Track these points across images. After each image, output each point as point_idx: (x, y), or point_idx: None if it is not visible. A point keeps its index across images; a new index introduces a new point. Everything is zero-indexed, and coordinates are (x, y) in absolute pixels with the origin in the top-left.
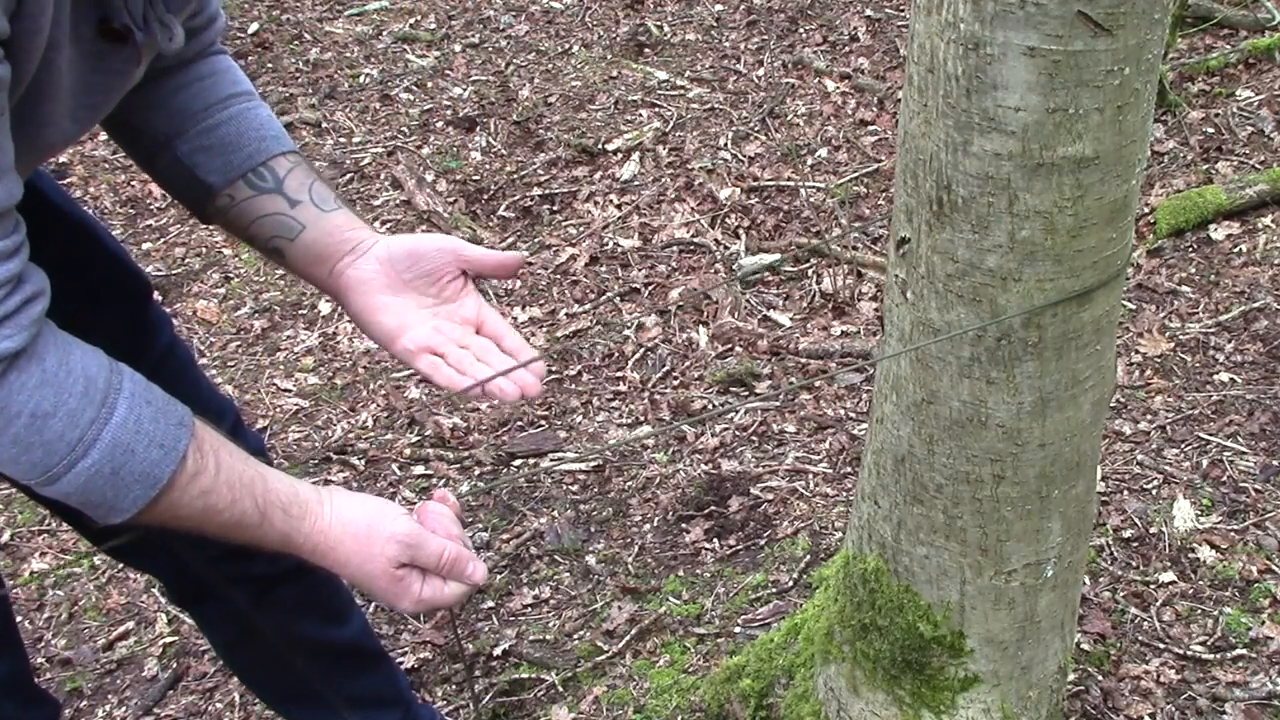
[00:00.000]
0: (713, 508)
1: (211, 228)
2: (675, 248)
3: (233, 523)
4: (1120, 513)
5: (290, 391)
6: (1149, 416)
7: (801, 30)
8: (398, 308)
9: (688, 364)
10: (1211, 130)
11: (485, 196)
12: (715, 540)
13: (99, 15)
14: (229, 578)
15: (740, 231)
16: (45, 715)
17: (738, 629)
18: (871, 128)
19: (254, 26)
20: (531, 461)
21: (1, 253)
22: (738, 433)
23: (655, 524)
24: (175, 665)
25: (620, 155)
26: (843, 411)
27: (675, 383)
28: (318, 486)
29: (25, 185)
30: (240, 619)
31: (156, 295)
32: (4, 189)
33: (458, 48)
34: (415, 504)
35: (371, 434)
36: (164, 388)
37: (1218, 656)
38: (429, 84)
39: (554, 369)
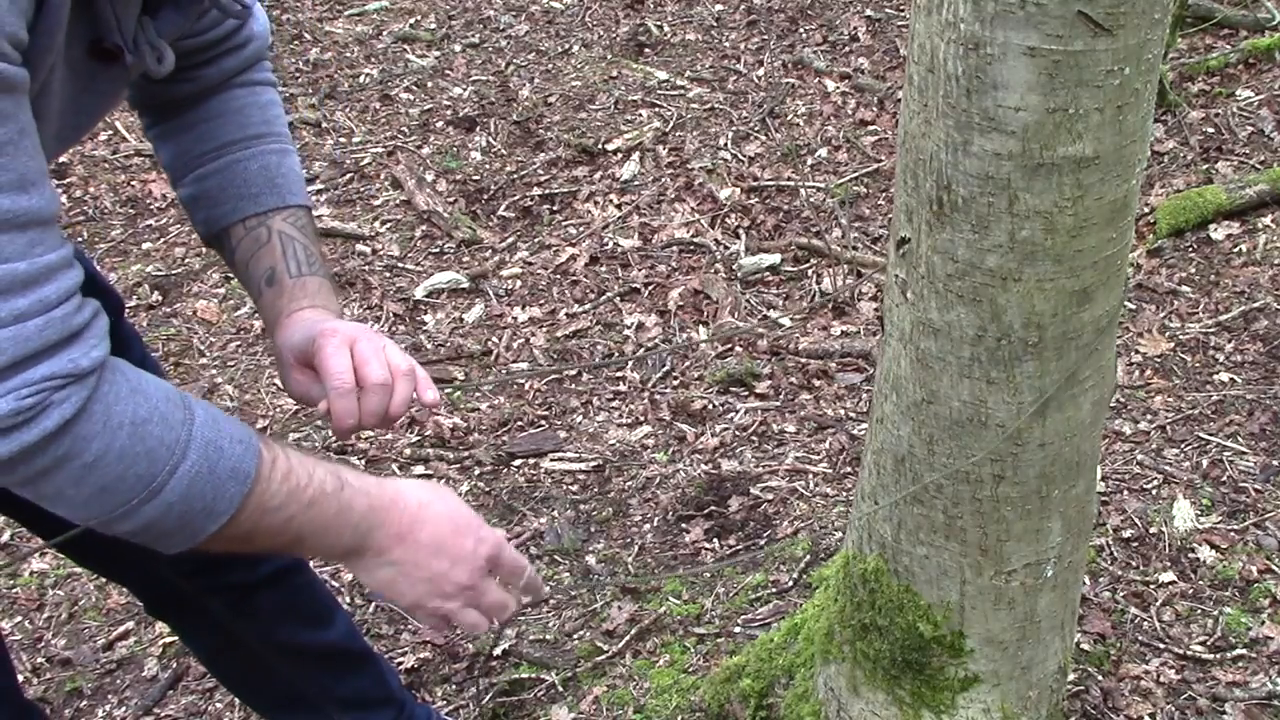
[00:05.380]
0: (713, 508)
1: None
2: (675, 248)
3: (318, 498)
4: (1120, 513)
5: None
6: (1149, 416)
7: (801, 30)
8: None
9: (688, 364)
10: (1211, 130)
11: (485, 196)
12: (715, 540)
13: (92, 35)
14: (204, 589)
15: (740, 231)
16: None
17: (738, 629)
18: (871, 128)
19: None
20: (532, 462)
21: (64, 260)
22: (738, 433)
23: (655, 524)
24: (175, 665)
25: (620, 155)
26: (843, 411)
27: (675, 383)
28: (380, 478)
29: None
30: (220, 629)
31: (158, 296)
32: (48, 195)
33: (458, 48)
34: None
35: (371, 434)
36: None
37: (1218, 656)
38: (429, 84)
39: (554, 369)
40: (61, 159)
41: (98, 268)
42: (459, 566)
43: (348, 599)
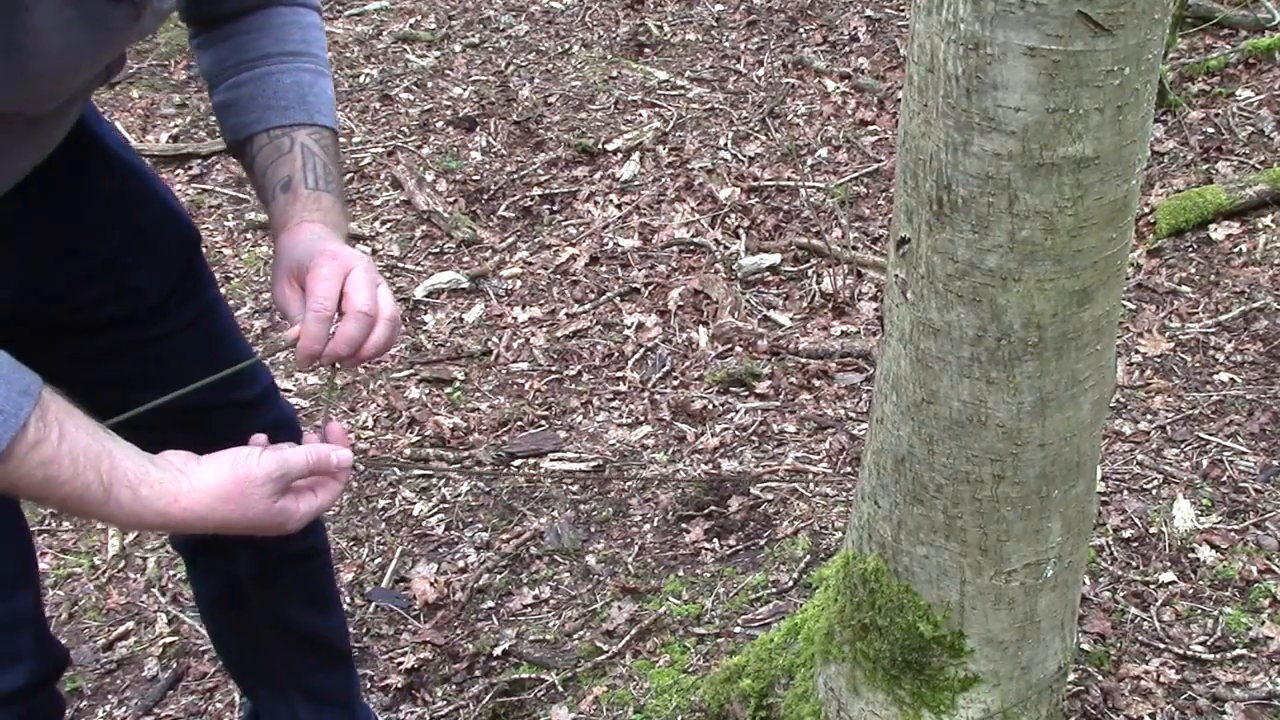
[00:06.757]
0: (713, 508)
1: (212, 227)
2: (675, 248)
3: (75, 497)
4: (1120, 513)
5: (290, 391)
6: (1149, 416)
7: (801, 30)
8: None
9: (688, 364)
10: (1211, 130)
11: (485, 196)
12: (715, 540)
13: None
14: (241, 541)
15: (740, 231)
16: (58, 655)
17: (738, 629)
18: (871, 128)
19: None
20: (532, 462)
21: None
22: (738, 433)
23: (655, 524)
24: (175, 665)
25: (620, 155)
26: (843, 411)
27: (675, 383)
28: (175, 459)
29: (79, 126)
30: (234, 582)
31: None
32: None
33: (458, 48)
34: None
35: (371, 434)
36: (202, 340)
37: (1218, 656)
38: (429, 84)
39: (554, 369)
40: None
41: (179, 201)
42: (259, 522)
43: (348, 598)
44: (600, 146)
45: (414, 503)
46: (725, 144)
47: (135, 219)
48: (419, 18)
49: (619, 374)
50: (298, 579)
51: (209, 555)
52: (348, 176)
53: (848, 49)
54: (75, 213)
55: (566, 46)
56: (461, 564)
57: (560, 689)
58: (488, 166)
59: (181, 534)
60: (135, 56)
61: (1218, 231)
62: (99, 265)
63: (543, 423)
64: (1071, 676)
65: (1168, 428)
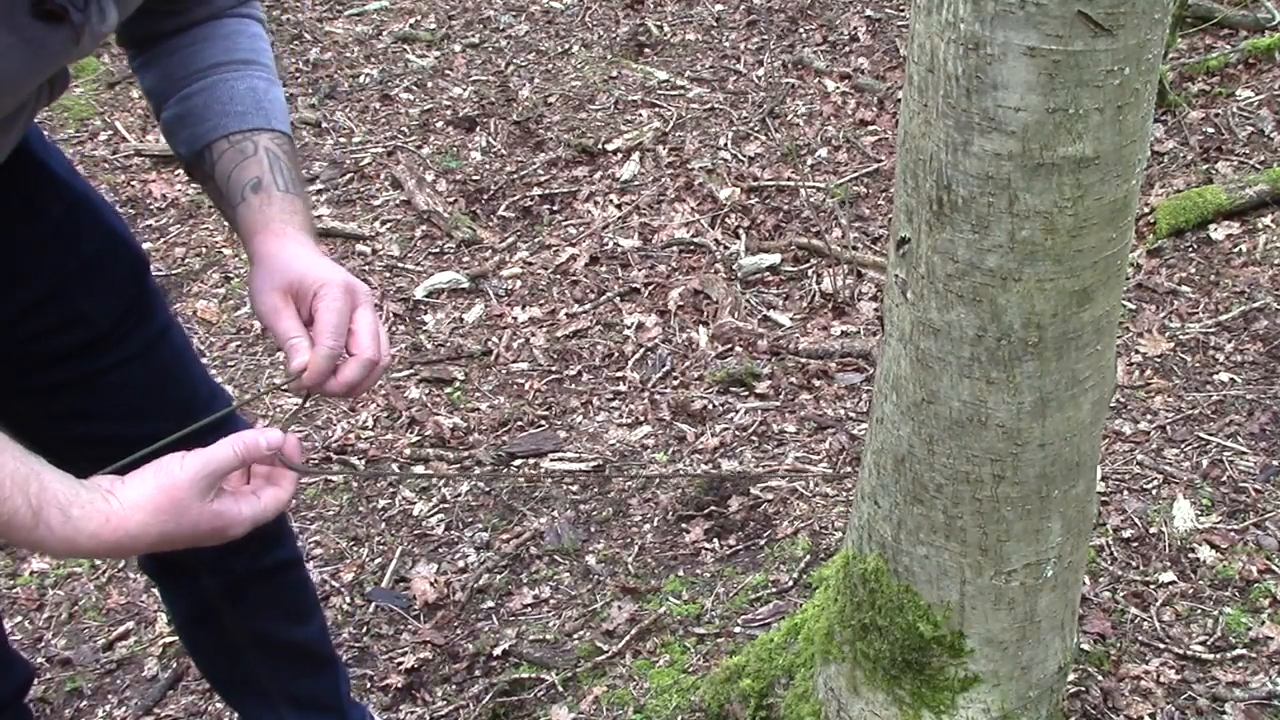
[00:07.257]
0: (713, 508)
1: (211, 227)
2: (675, 248)
3: (2, 522)
4: (1120, 513)
5: (290, 391)
6: (1149, 416)
7: (801, 30)
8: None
9: (688, 364)
10: (1211, 130)
11: (485, 196)
12: (715, 540)
13: None
14: (205, 565)
15: (740, 231)
16: (20, 675)
17: (738, 629)
18: (871, 128)
19: None
20: (532, 462)
21: None
22: (738, 433)
23: (655, 524)
24: (175, 665)
25: (620, 155)
26: (843, 411)
27: (675, 383)
28: (102, 481)
29: (25, 152)
30: (204, 603)
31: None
32: None
33: (458, 48)
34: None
35: (371, 434)
36: (157, 367)
37: (1218, 656)
38: (429, 84)
39: (554, 369)
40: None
41: (126, 225)
42: (199, 530)
43: (348, 598)
44: (600, 146)
45: (414, 503)
46: (725, 144)
47: (83, 246)
48: (419, 18)
49: (619, 374)
50: (270, 594)
51: (175, 577)
52: (347, 176)
53: (848, 49)
54: (21, 241)
55: (566, 46)
56: (461, 564)
57: (560, 689)
58: (488, 166)
59: (134, 556)
60: None
61: (1218, 231)
62: (46, 294)
63: (543, 423)
64: (1071, 676)
65: (1168, 428)
